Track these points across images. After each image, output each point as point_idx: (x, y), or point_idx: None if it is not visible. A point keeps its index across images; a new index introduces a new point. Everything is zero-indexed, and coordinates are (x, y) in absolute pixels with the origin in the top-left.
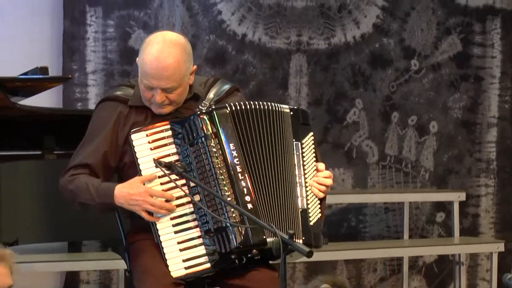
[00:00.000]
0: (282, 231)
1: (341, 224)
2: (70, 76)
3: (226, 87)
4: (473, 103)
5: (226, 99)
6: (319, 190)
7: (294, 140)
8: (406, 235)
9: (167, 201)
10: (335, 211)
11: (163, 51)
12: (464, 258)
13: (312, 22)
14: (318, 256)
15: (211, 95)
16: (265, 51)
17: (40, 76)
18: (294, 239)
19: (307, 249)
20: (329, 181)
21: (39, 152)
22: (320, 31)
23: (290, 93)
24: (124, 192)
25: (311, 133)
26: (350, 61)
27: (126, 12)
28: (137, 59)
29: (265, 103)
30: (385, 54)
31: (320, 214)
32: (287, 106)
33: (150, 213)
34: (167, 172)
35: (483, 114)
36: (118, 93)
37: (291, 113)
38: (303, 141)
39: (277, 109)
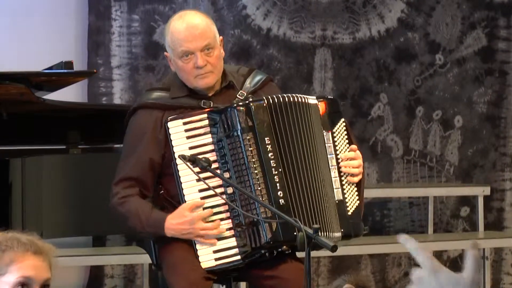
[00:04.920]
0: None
1: (365, 219)
2: (95, 70)
3: (262, 77)
4: (497, 97)
5: (261, 90)
6: (352, 174)
7: (324, 131)
8: (430, 229)
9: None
10: None
11: (188, 17)
12: (489, 252)
13: (337, 16)
14: (343, 250)
15: (247, 84)
16: (290, 45)
17: (65, 71)
18: (320, 233)
19: (331, 243)
20: (355, 163)
21: (64, 147)
22: (345, 25)
23: (314, 88)
24: (174, 224)
25: (342, 119)
26: (374, 56)
27: (151, 6)
28: (166, 50)
29: (296, 95)
30: (410, 48)
31: (358, 202)
32: (314, 97)
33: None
34: (191, 166)
35: (507, 109)
36: (153, 99)
37: (318, 103)
38: (334, 130)
39: (306, 101)
